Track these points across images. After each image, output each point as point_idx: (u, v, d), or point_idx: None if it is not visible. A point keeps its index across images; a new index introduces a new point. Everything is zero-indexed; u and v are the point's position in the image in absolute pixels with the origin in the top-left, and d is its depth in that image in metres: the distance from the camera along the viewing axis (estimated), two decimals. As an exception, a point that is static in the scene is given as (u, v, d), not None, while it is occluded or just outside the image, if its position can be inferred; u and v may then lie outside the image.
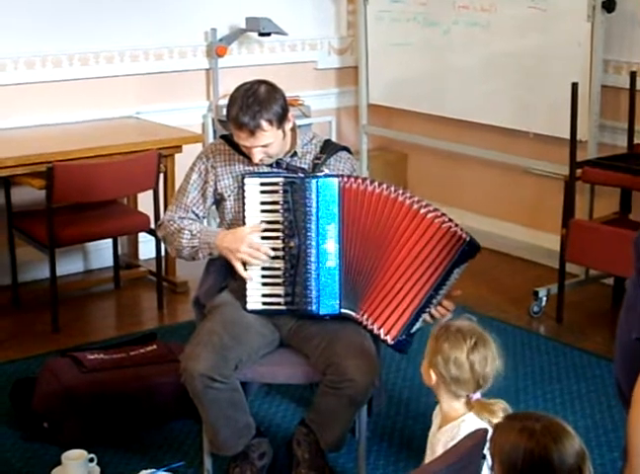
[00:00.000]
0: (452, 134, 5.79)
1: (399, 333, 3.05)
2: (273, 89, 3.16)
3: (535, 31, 5.08)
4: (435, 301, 3.03)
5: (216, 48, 5.52)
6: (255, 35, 5.63)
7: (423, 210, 3.01)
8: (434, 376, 2.66)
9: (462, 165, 5.92)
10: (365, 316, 3.10)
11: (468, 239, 2.98)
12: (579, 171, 4.63)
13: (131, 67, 5.37)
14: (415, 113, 5.93)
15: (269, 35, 5.57)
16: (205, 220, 3.43)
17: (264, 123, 3.08)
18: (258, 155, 3.15)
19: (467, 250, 2.98)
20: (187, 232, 3.22)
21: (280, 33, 5.56)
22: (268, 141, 3.12)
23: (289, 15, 5.77)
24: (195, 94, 5.63)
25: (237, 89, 3.18)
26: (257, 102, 3.09)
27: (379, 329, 3.07)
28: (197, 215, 3.30)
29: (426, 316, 3.05)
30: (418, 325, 3.06)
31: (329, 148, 3.30)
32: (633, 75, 4.76)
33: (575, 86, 4.50)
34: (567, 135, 4.58)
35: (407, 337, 3.06)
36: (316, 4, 6.01)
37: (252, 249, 3.11)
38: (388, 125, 6.24)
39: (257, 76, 5.39)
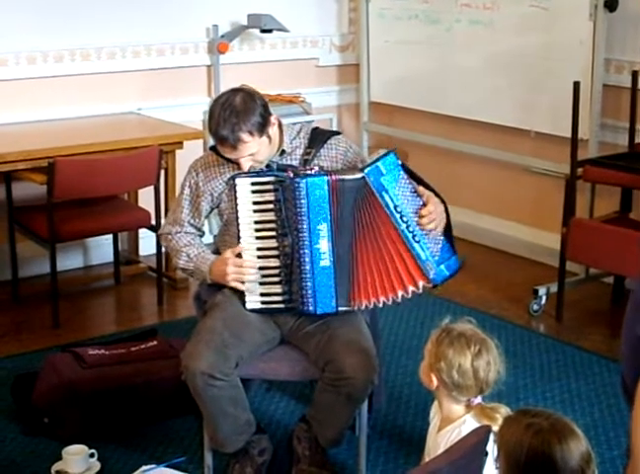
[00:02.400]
0: (453, 132, 5.79)
1: (425, 275, 3.03)
2: (250, 97, 3.10)
3: (537, 29, 5.08)
4: (412, 228, 3.02)
5: (218, 45, 5.52)
6: (257, 31, 5.63)
7: None
8: (435, 381, 2.66)
9: (463, 163, 5.92)
10: (364, 303, 3.08)
11: (361, 175, 2.99)
12: (580, 170, 4.64)
13: (133, 63, 5.36)
14: (416, 110, 5.93)
15: (270, 31, 5.57)
16: (206, 225, 3.43)
17: (244, 136, 3.04)
18: (246, 164, 3.12)
19: (373, 179, 2.99)
20: (184, 254, 3.27)
21: (282, 29, 5.56)
22: (252, 151, 3.09)
23: (291, 12, 5.77)
24: (196, 90, 5.63)
25: (214, 101, 3.15)
26: (234, 114, 3.03)
27: (407, 289, 3.04)
28: (194, 227, 3.33)
29: (428, 237, 3.05)
30: (434, 248, 3.05)
31: (317, 139, 3.26)
32: (635, 74, 4.76)
33: (577, 85, 4.50)
34: (568, 134, 4.59)
35: (440, 264, 3.05)
36: (318, 1, 6.01)
37: (237, 267, 3.11)
38: (389, 123, 6.24)
39: (258, 73, 5.50)
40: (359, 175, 3.02)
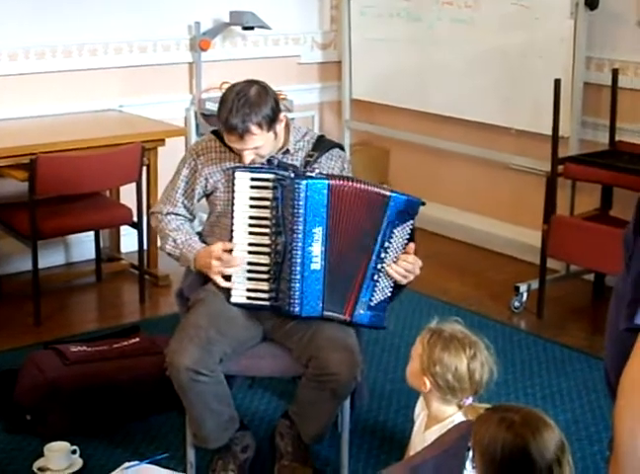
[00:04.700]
0: (435, 130, 5.81)
1: (353, 308, 3.07)
2: (264, 90, 3.14)
3: (519, 27, 5.10)
4: (381, 266, 3.04)
5: (200, 42, 5.52)
6: (238, 28, 5.63)
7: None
8: (428, 384, 2.65)
9: (445, 160, 5.94)
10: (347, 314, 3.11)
11: (389, 194, 3.00)
12: (561, 167, 4.66)
13: (115, 60, 5.35)
14: (398, 108, 5.94)
15: (252, 29, 5.57)
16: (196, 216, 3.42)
17: (253, 127, 3.07)
18: (248, 157, 3.14)
19: (393, 205, 3.00)
20: (171, 240, 3.28)
21: (264, 27, 5.56)
22: (257, 144, 3.11)
23: (273, 9, 5.77)
24: (178, 87, 5.62)
25: (229, 89, 3.16)
26: (247, 104, 3.06)
27: (346, 314, 3.09)
28: (186, 209, 3.33)
29: (383, 283, 3.06)
30: (377, 296, 3.07)
31: (321, 145, 3.29)
32: (615, 72, 4.79)
33: (557, 83, 4.52)
34: (549, 132, 4.61)
35: (370, 310, 3.07)
36: (300, -2, 6.02)
37: (222, 261, 3.11)
38: (371, 120, 6.25)
39: (240, 70, 5.47)
40: (387, 193, 3.03)
